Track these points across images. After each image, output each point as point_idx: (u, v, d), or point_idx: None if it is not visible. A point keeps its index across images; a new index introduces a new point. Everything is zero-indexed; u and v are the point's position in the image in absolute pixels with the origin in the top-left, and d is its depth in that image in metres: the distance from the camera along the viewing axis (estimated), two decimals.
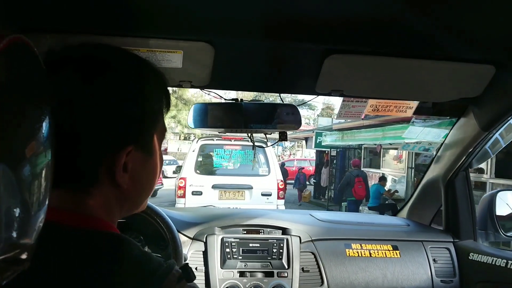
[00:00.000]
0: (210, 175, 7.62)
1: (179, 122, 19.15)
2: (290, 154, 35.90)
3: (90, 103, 0.62)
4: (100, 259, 0.60)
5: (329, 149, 16.37)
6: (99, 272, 0.59)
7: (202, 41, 1.22)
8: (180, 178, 7.52)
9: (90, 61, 0.64)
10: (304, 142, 37.10)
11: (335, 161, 15.91)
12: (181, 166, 8.32)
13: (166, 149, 32.17)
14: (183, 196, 7.33)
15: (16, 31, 1.14)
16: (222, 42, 1.24)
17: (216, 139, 8.08)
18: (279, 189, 7.60)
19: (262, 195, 7.50)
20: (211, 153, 8.03)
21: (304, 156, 33.60)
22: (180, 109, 16.79)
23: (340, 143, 15.24)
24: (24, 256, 0.44)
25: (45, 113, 0.46)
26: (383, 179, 10.70)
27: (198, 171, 7.57)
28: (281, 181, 7.79)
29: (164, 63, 1.29)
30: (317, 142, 16.82)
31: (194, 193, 7.34)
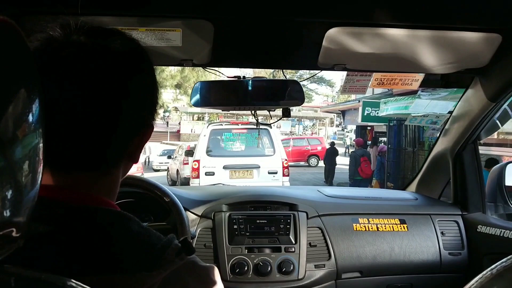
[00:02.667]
0: (221, 157, 8.37)
1: None
2: (312, 133, 34.34)
3: (131, 93, 0.65)
4: (100, 235, 0.61)
5: (373, 125, 13.79)
6: (100, 247, 0.60)
7: (200, 18, 1.21)
8: (194, 161, 8.31)
9: (130, 53, 0.67)
10: (327, 121, 36.24)
11: (384, 138, 12.80)
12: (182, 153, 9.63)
13: (178, 131, 31.48)
14: (197, 177, 8.12)
15: (16, 14, 1.15)
16: (221, 18, 1.23)
17: (225, 124, 9.11)
18: (283, 167, 8.40)
19: (269, 173, 8.29)
20: (220, 137, 8.82)
21: (328, 136, 32.11)
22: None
23: (406, 112, 9.74)
24: (16, 234, 0.45)
25: (35, 95, 0.47)
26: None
27: (210, 154, 8.36)
28: (285, 160, 8.62)
29: (163, 42, 1.28)
30: (365, 114, 13.74)
31: (207, 173, 8.13)
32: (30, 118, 0.45)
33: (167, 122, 35.47)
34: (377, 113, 12.79)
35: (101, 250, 0.60)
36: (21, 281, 0.44)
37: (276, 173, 8.30)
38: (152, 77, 0.70)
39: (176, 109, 35.04)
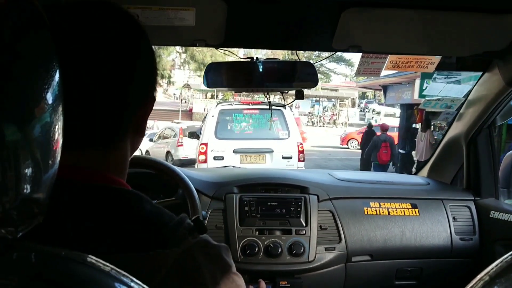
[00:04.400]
0: (231, 139, 7.65)
1: None
2: (333, 115, 32.12)
3: (139, 64, 0.68)
4: (114, 214, 0.62)
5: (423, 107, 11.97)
6: (114, 226, 0.60)
7: None
8: (201, 144, 7.60)
9: (135, 27, 0.69)
10: (348, 101, 33.05)
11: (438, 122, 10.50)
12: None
13: (191, 110, 30.10)
14: (205, 161, 7.45)
15: None
16: None
17: (235, 104, 8.24)
18: (299, 151, 7.66)
19: (283, 158, 7.57)
20: (230, 118, 8.03)
21: (348, 117, 30.72)
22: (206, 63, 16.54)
23: None
24: (37, 210, 0.45)
25: (54, 72, 0.46)
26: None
27: (218, 136, 7.62)
28: (301, 144, 7.83)
29: (176, 22, 1.27)
30: (423, 88, 11.01)
31: (216, 158, 7.43)
32: (49, 96, 0.45)
33: (182, 100, 33.56)
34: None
35: (115, 229, 0.60)
36: (42, 257, 0.44)
37: (291, 158, 7.61)
38: (151, 48, 0.72)
39: (188, 86, 33.22)
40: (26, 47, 0.43)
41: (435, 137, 9.78)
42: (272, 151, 7.60)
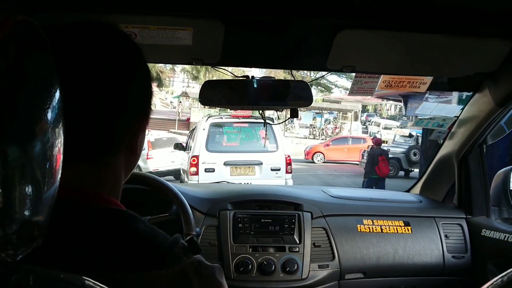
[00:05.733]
0: (221, 152, 7.89)
1: None
2: (335, 128, 30.63)
3: (136, 81, 0.69)
4: (106, 235, 0.62)
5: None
6: (108, 247, 0.61)
7: (212, 18, 1.22)
8: (193, 156, 7.80)
9: (131, 46, 0.70)
10: (351, 114, 31.66)
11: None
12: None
13: (188, 119, 29.10)
14: (196, 173, 7.66)
15: (28, 10, 1.15)
16: (233, 19, 1.23)
17: (225, 117, 8.44)
18: (287, 163, 7.99)
19: (272, 170, 7.88)
20: (220, 130, 8.31)
21: (354, 131, 28.63)
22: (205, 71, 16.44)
23: None
24: (36, 233, 0.46)
25: (55, 89, 0.47)
26: None
27: (209, 149, 7.86)
28: (288, 156, 8.16)
29: (174, 41, 1.29)
30: (462, 98, 8.08)
31: (207, 170, 7.66)
32: (50, 114, 0.46)
33: (178, 110, 32.27)
34: None
35: (111, 250, 0.61)
36: (40, 280, 0.44)
37: (279, 169, 7.93)
38: (147, 67, 0.73)
39: (186, 94, 32.19)
40: (28, 68, 0.44)
41: None
42: (261, 163, 7.89)
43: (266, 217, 1.77)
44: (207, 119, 8.24)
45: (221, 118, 8.46)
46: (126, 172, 0.73)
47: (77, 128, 0.62)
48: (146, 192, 1.56)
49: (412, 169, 16.20)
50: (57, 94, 0.47)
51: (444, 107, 1.95)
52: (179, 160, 10.75)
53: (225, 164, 7.78)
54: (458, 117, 1.97)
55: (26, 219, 0.43)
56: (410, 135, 18.22)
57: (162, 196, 1.57)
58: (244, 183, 4.54)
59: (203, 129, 7.99)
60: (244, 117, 8.39)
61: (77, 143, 0.63)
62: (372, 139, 15.24)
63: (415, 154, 16.07)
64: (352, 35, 1.29)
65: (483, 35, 1.31)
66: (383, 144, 14.79)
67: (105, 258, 0.60)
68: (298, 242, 1.74)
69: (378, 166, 10.56)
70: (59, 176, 0.49)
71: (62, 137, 0.49)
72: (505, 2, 1.14)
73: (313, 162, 19.13)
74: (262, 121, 6.44)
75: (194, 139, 8.33)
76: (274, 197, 1.88)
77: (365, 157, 15.16)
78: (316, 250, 1.75)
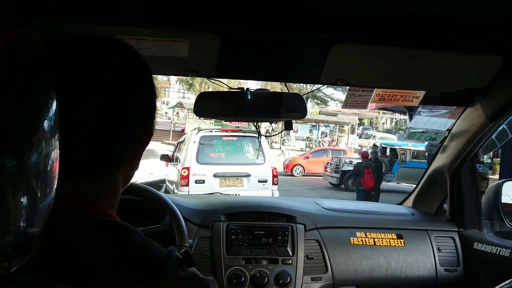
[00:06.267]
0: (211, 164, 8.23)
1: None
2: (332, 141, 30.35)
3: (141, 99, 0.70)
4: (100, 247, 0.62)
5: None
6: (100, 260, 0.60)
7: (208, 31, 1.23)
8: (184, 168, 8.11)
9: (136, 65, 0.70)
10: (348, 127, 30.91)
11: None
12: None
13: (183, 130, 28.63)
14: (187, 184, 7.96)
15: (27, 19, 1.16)
16: (228, 32, 1.24)
17: (215, 131, 8.93)
18: (273, 175, 8.41)
19: (259, 181, 8.27)
20: (210, 144, 8.62)
21: (351, 144, 28.30)
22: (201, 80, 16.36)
23: None
24: (31, 244, 0.46)
25: (51, 101, 0.48)
26: None
27: (200, 161, 8.19)
28: (275, 168, 8.62)
29: (169, 52, 1.30)
30: None
31: (197, 181, 7.98)
32: (46, 125, 0.46)
33: (172, 121, 31.38)
34: None
35: (106, 262, 0.60)
36: None
37: (266, 181, 8.32)
38: (153, 84, 0.73)
39: (181, 105, 31.89)
40: (26, 80, 0.45)
41: (480, 170, 9.12)
42: (249, 175, 8.27)
43: (260, 229, 1.77)
44: (197, 132, 8.60)
45: (211, 131, 8.86)
46: (124, 185, 0.73)
47: (79, 143, 0.62)
48: (138, 202, 1.56)
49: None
50: (54, 105, 0.48)
51: (436, 121, 1.97)
52: (158, 172, 11.05)
53: (215, 175, 8.09)
54: (450, 130, 2.00)
55: (21, 231, 0.43)
56: (375, 146, 17.91)
57: (155, 207, 1.56)
58: (233, 194, 4.60)
59: (194, 142, 8.31)
60: (232, 131, 9.02)
61: (78, 157, 0.63)
62: (357, 151, 15.37)
63: None
64: (346, 49, 1.31)
65: (474, 51, 1.34)
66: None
67: (100, 270, 0.60)
68: (291, 254, 1.73)
69: (363, 178, 10.82)
70: (55, 186, 0.49)
71: (59, 148, 0.49)
72: (496, 19, 1.16)
73: (292, 175, 18.56)
74: (250, 135, 6.95)
75: (184, 151, 8.65)
76: (267, 208, 1.88)
77: (328, 169, 15.82)
78: (309, 263, 1.75)
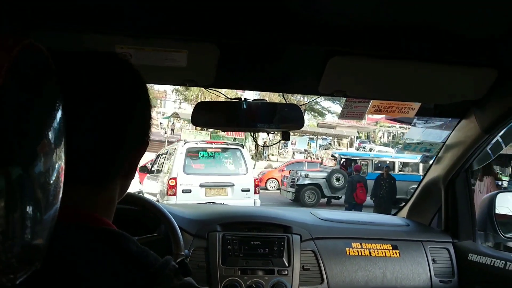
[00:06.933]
0: (197, 174, 8.67)
1: None
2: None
3: (137, 111, 0.71)
4: (97, 255, 0.62)
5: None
6: (97, 267, 0.60)
7: (207, 41, 1.23)
8: (171, 178, 8.49)
9: (132, 79, 0.72)
10: (347, 140, 30.21)
11: None
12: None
13: (179, 140, 28.98)
14: (174, 194, 8.34)
15: (23, 28, 1.16)
16: (227, 42, 1.25)
17: (200, 143, 9.47)
18: (255, 185, 8.93)
19: (242, 191, 8.73)
20: (196, 155, 9.10)
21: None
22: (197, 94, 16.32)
23: None
24: (36, 256, 0.45)
25: (57, 112, 0.48)
26: None
27: (186, 172, 8.61)
28: (256, 178, 9.31)
29: (168, 62, 1.30)
30: None
31: (184, 191, 8.37)
32: (51, 135, 0.46)
33: (172, 130, 31.07)
34: None
35: (102, 270, 0.60)
36: None
37: (248, 190, 8.77)
38: (149, 97, 0.74)
39: (177, 115, 31.27)
40: (33, 90, 0.45)
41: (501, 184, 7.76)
42: (233, 185, 8.72)
43: (256, 240, 1.76)
44: (183, 144, 9.07)
45: (196, 143, 9.41)
46: (120, 194, 0.74)
47: (78, 153, 0.62)
48: (134, 211, 1.55)
49: (339, 196, 13.93)
50: (59, 116, 0.48)
51: (431, 132, 1.99)
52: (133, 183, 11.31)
53: (201, 185, 8.50)
54: (444, 142, 2.01)
55: (26, 243, 0.43)
56: (333, 157, 17.08)
57: (150, 216, 1.56)
58: (221, 203, 4.64)
59: (181, 153, 8.74)
60: (217, 143, 9.76)
61: (75, 167, 0.63)
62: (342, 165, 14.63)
63: (338, 179, 14.19)
64: (344, 61, 1.32)
65: (470, 64, 1.35)
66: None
67: (96, 279, 0.59)
68: (287, 265, 1.73)
69: (356, 192, 10.79)
70: (60, 196, 0.49)
71: (63, 159, 0.49)
72: (492, 32, 1.18)
73: (266, 189, 17.31)
74: (233, 147, 7.51)
75: (170, 162, 9.07)
76: (263, 219, 1.87)
77: (285, 183, 14.79)
78: (305, 273, 1.75)
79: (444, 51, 1.29)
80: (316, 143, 30.86)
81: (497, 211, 2.01)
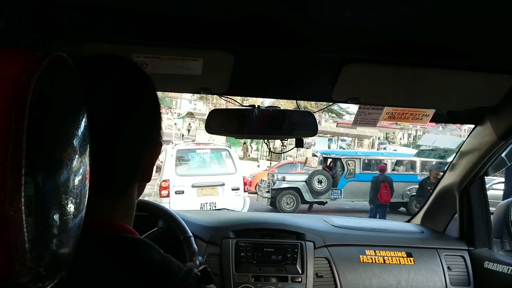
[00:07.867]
0: (188, 176, 8.86)
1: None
2: None
3: (150, 112, 0.71)
4: (121, 263, 0.62)
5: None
6: (121, 276, 0.61)
7: (223, 49, 1.24)
8: (164, 180, 8.61)
9: (137, 78, 0.71)
10: (369, 141, 28.11)
11: None
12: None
13: (194, 141, 27.84)
14: (168, 195, 8.46)
15: (41, 39, 1.18)
16: (243, 51, 1.26)
17: (189, 144, 9.94)
18: (244, 183, 9.20)
19: (232, 189, 8.97)
20: (186, 157, 9.36)
21: None
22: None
23: None
24: (63, 265, 0.46)
25: (82, 119, 0.49)
26: None
27: (178, 173, 8.81)
28: (245, 177, 9.52)
29: (183, 70, 1.31)
30: None
31: (177, 192, 8.54)
32: (77, 142, 0.47)
33: (188, 130, 29.71)
34: None
35: (125, 280, 0.61)
36: None
37: (238, 189, 9.01)
38: (156, 96, 0.74)
39: (191, 114, 29.97)
40: (60, 100, 0.46)
41: None
42: (224, 184, 8.93)
43: (269, 246, 1.76)
44: (173, 147, 9.35)
45: (186, 145, 9.81)
46: (138, 197, 0.74)
47: (96, 160, 0.63)
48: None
49: (324, 201, 12.55)
50: (83, 123, 0.49)
51: (445, 139, 1.97)
52: None
53: (193, 186, 8.69)
54: (459, 149, 2.00)
55: (54, 251, 0.44)
56: (314, 155, 15.22)
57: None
58: (233, 210, 4.67)
59: (171, 155, 8.92)
60: (206, 144, 10.12)
61: (96, 174, 0.64)
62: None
63: (320, 182, 12.37)
64: (358, 68, 1.32)
65: (485, 70, 1.34)
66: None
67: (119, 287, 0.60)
68: (300, 272, 1.72)
69: (379, 193, 10.43)
70: (85, 204, 0.50)
71: (88, 165, 0.50)
72: (506, 38, 1.17)
73: (256, 193, 14.47)
74: (222, 147, 7.83)
75: (162, 165, 9.15)
76: (276, 225, 1.87)
77: (261, 188, 12.75)
78: (318, 281, 1.74)
79: (459, 57, 1.28)
80: (337, 144, 28.91)
81: None
